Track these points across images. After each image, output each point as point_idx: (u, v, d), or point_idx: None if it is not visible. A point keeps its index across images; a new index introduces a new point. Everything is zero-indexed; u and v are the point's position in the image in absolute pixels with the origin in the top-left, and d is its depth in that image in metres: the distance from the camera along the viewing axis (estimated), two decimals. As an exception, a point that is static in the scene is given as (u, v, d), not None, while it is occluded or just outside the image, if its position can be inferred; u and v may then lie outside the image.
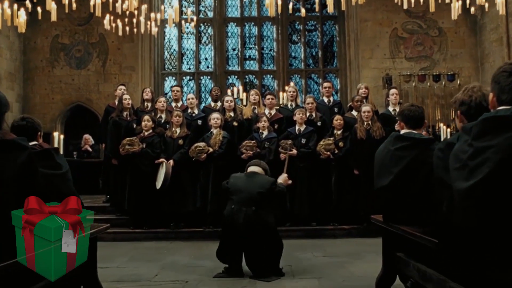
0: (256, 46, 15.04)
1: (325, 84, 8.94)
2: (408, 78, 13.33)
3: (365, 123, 8.05)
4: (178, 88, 9.07)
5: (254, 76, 14.94)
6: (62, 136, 11.89)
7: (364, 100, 8.62)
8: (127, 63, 13.81)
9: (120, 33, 10.55)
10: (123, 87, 9.09)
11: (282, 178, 5.80)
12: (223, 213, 5.47)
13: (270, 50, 15.10)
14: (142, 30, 10.98)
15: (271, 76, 14.91)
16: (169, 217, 8.14)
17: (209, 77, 14.91)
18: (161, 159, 8.00)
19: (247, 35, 15.18)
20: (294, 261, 6.20)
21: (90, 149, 12.30)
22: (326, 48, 15.07)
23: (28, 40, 13.86)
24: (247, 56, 15.15)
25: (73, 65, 13.84)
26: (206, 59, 15.10)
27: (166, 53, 15.08)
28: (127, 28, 10.85)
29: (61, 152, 12.27)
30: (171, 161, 8.00)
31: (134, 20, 10.64)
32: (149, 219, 8.13)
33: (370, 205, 7.90)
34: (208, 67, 15.05)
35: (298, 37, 15.10)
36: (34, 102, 13.77)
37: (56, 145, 11.54)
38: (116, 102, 8.88)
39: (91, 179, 11.67)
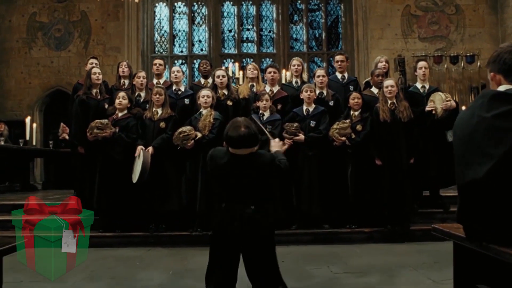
0: (254, 27, 13.30)
1: (338, 58, 7.09)
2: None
3: (389, 101, 6.25)
4: (161, 62, 7.23)
5: (252, 60, 13.12)
6: (35, 125, 10.12)
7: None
8: (111, 43, 12.01)
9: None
10: (94, 61, 7.26)
11: (277, 145, 3.77)
12: (212, 217, 3.63)
13: (270, 31, 13.37)
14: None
15: (271, 59, 13.12)
16: (148, 217, 6.34)
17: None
18: (139, 146, 6.21)
19: (245, 15, 13.43)
20: (305, 279, 4.41)
21: (68, 138, 10.46)
22: (330, 29, 13.34)
23: (2, 18, 12.07)
24: (245, 38, 13.41)
25: (52, 46, 12.02)
26: (199, 41, 13.36)
27: (156, 34, 13.32)
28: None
29: (35, 141, 10.53)
30: (150, 149, 6.20)
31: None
32: (123, 220, 6.32)
33: (396, 203, 6.16)
34: (202, 50, 13.31)
35: (300, 17, 13.37)
36: (9, 87, 11.95)
37: (28, 134, 9.80)
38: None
39: (68, 171, 9.90)
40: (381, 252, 5.65)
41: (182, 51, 13.29)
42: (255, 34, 13.27)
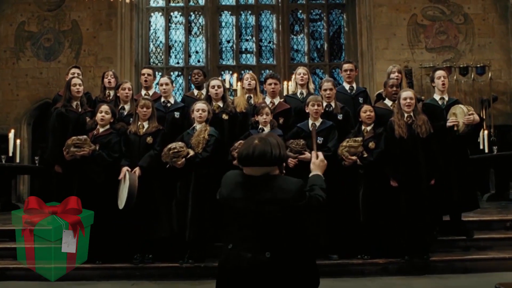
0: (254, 38, 12.51)
1: (346, 66, 6.26)
2: (431, 71, 10.68)
3: (406, 115, 5.43)
4: (150, 71, 6.39)
5: (251, 71, 12.29)
6: (18, 141, 9.25)
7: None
8: (104, 54, 11.17)
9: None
10: (76, 70, 6.45)
11: (317, 166, 2.84)
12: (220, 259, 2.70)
13: (269, 42, 12.57)
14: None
15: (271, 71, 12.26)
16: (134, 246, 5.47)
17: (200, 72, 12.30)
18: (124, 168, 5.35)
19: (244, 25, 12.65)
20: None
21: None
22: (332, 40, 12.54)
23: (-11, 27, 11.25)
24: (243, 49, 12.62)
25: (42, 57, 11.19)
26: (196, 52, 12.56)
27: (151, 45, 12.53)
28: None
29: (22, 157, 9.71)
30: (137, 170, 5.35)
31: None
32: (105, 250, 5.42)
33: (414, 230, 5.31)
34: (199, 61, 12.50)
35: (301, 28, 12.58)
36: (-4, 99, 11.13)
37: (11, 149, 8.95)
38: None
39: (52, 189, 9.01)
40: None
41: (178, 63, 12.50)
42: (254, 45, 12.48)
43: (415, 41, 11.15)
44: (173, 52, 12.57)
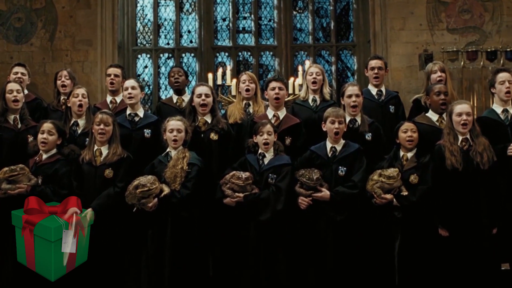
0: (252, 16, 10.72)
1: (373, 63, 4.55)
2: (455, 55, 8.99)
3: (461, 138, 3.76)
4: (117, 71, 4.64)
5: (249, 53, 10.64)
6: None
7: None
8: (82, 35, 9.38)
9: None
10: (20, 70, 4.76)
11: None
12: None
13: (270, 20, 10.79)
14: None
15: (271, 53, 10.64)
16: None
17: (192, 54, 10.60)
18: (70, 210, 3.71)
19: (241, 1, 10.85)
20: None
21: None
22: (340, 18, 10.82)
23: (-49, 5, 9.47)
24: (241, 28, 10.83)
25: (12, 39, 9.39)
26: (189, 31, 10.75)
27: (138, 24, 10.74)
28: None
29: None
30: (89, 212, 3.72)
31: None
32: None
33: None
34: (191, 41, 10.72)
35: (305, 4, 10.78)
36: (-39, 88, 9.42)
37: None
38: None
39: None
40: None
41: (168, 43, 10.73)
42: (253, 23, 10.72)
43: (435, 21, 9.37)
44: (162, 32, 10.83)
